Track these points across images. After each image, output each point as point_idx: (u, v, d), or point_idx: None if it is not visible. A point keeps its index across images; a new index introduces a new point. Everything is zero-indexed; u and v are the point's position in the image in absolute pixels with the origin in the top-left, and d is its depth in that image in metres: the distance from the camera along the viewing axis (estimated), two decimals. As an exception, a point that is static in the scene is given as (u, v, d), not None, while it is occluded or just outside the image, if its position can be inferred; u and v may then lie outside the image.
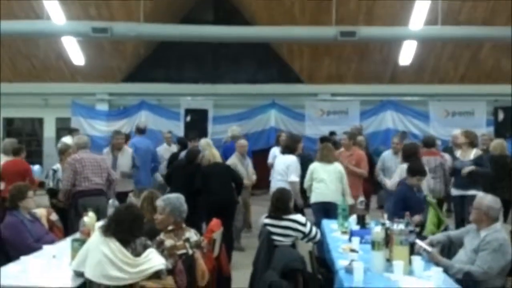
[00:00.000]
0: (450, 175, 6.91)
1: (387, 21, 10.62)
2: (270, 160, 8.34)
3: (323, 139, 8.55)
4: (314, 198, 6.48)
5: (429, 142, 7.64)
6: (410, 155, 6.20)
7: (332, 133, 11.28)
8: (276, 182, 6.85)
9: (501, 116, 10.75)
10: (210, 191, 6.41)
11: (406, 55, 11.81)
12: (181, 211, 3.99)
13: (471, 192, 6.30)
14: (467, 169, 6.58)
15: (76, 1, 10.84)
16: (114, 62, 12.84)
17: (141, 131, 8.54)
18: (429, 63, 12.36)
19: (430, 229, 5.18)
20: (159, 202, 4.06)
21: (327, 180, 6.42)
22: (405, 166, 6.00)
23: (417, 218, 4.97)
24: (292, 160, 6.86)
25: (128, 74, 13.44)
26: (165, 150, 9.16)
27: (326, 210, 6.25)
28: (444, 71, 12.59)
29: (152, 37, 10.98)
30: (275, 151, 8.39)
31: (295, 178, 6.73)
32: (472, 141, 6.82)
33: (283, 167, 6.84)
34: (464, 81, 12.66)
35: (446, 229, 5.15)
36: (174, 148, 9.15)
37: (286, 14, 11.10)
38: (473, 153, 6.75)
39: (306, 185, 6.63)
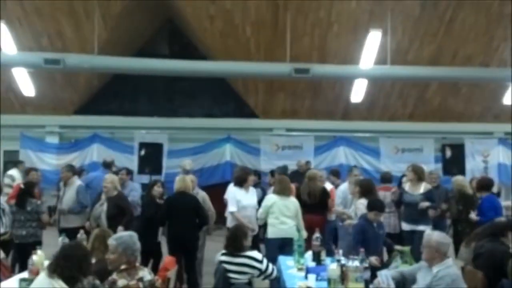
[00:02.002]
0: (398, 208, 7.08)
1: (340, 59, 10.96)
2: (226, 195, 8.30)
3: (274, 172, 8.69)
4: (271, 233, 6.34)
5: (386, 178, 7.86)
6: (368, 191, 6.33)
7: (285, 167, 11.37)
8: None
9: (448, 153, 11.17)
10: (171, 224, 6.31)
11: (358, 92, 12.17)
12: (134, 249, 3.88)
13: (421, 227, 6.46)
14: (423, 204, 6.68)
15: (28, 31, 10.65)
16: (66, 94, 12.58)
17: (106, 165, 8.41)
18: (379, 100, 12.76)
19: None
20: (111, 241, 3.93)
21: (286, 215, 6.34)
22: (362, 201, 6.13)
23: (373, 260, 4.96)
24: (231, 190, 6.92)
25: (80, 106, 13.19)
26: None
27: (282, 245, 6.16)
28: (393, 109, 13.02)
29: (106, 69, 10.88)
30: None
31: (232, 208, 6.74)
32: (420, 175, 7.01)
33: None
34: (413, 119, 13.12)
35: None
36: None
37: (241, 50, 11.26)
38: (422, 187, 6.91)
39: (260, 217, 6.54)
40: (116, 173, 8.18)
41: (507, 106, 12.58)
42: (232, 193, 6.88)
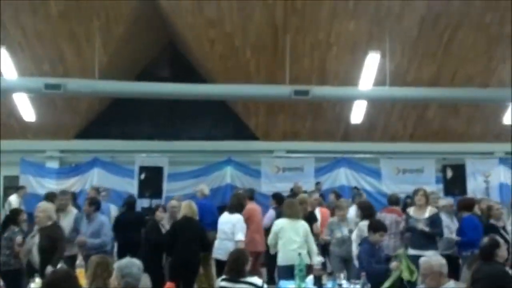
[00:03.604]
0: (402, 233, 7.01)
1: (339, 81, 11.00)
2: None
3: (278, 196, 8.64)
4: (282, 260, 6.13)
5: (393, 200, 7.82)
6: (371, 213, 6.30)
7: (292, 190, 11.31)
8: (221, 241, 6.74)
9: (449, 173, 11.12)
10: (176, 249, 6.26)
11: (357, 113, 12.18)
12: (137, 278, 3.79)
13: (429, 252, 6.34)
14: (422, 227, 6.62)
15: (29, 56, 10.72)
16: (66, 118, 12.59)
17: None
18: (380, 121, 12.77)
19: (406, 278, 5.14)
20: (115, 269, 3.84)
21: (296, 240, 6.17)
22: (364, 223, 6.08)
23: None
24: (238, 218, 6.77)
25: (80, 131, 13.19)
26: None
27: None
28: (393, 130, 13.02)
29: (107, 93, 10.92)
30: None
31: (241, 237, 6.61)
32: (428, 200, 6.93)
33: (230, 225, 6.73)
34: (413, 139, 13.10)
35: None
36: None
37: (241, 72, 11.32)
38: (428, 211, 6.79)
39: (270, 243, 6.37)
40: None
41: (507, 126, 12.57)
42: (241, 221, 6.76)
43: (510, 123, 12.47)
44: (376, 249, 5.42)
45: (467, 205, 6.87)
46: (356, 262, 5.98)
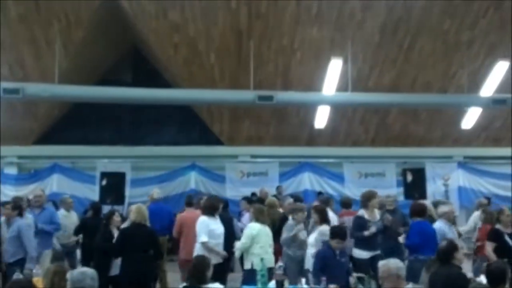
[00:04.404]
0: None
1: (303, 86, 11.09)
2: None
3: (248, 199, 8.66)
4: (257, 264, 5.98)
5: (346, 203, 7.92)
6: (325, 217, 6.36)
7: (253, 194, 11.36)
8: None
9: (409, 177, 11.35)
10: (126, 258, 6.08)
11: (321, 118, 12.32)
12: (88, 285, 3.69)
13: (378, 252, 6.79)
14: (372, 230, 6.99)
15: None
16: (25, 123, 12.27)
17: None
18: (342, 126, 12.94)
19: None
20: (69, 282, 3.74)
21: (268, 244, 6.33)
22: (325, 227, 6.13)
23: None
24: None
25: (40, 136, 12.88)
26: (63, 217, 8.34)
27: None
28: (356, 134, 13.21)
29: (67, 98, 10.67)
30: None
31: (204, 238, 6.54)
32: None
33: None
34: (375, 144, 13.33)
35: None
36: (73, 214, 8.72)
37: (206, 77, 11.30)
38: (377, 213, 7.22)
39: (243, 247, 6.28)
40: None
41: (465, 131, 12.95)
42: (203, 222, 6.62)
43: (468, 128, 12.84)
44: (337, 254, 5.46)
45: (418, 210, 6.99)
46: (309, 265, 6.02)
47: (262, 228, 6.37)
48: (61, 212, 8.44)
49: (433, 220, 7.09)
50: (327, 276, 4.72)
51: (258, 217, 6.49)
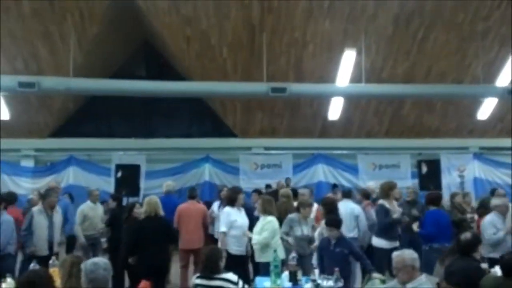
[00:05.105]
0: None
1: (316, 78, 11.07)
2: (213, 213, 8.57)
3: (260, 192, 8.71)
4: (282, 255, 6.08)
5: (367, 194, 7.94)
6: (332, 210, 6.36)
7: (268, 186, 11.40)
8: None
9: (424, 169, 11.28)
10: (144, 249, 6.18)
11: (334, 110, 12.28)
12: (99, 279, 3.70)
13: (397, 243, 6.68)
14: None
15: (2, 54, 10.54)
16: (41, 117, 12.45)
17: None
18: (356, 118, 12.90)
19: None
20: (83, 273, 3.79)
21: (278, 236, 6.36)
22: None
23: None
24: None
25: (56, 129, 13.05)
26: (89, 209, 8.53)
27: None
28: (370, 126, 13.17)
29: (82, 91, 10.79)
30: (215, 205, 8.75)
31: (224, 228, 6.67)
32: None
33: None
34: (389, 135, 13.28)
35: None
36: (99, 206, 8.84)
37: (218, 70, 11.32)
38: (395, 203, 7.18)
39: (265, 241, 6.23)
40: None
41: (481, 121, 12.83)
42: (224, 213, 6.81)
43: (483, 118, 12.72)
44: (331, 244, 5.49)
45: (433, 199, 6.98)
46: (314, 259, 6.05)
47: (275, 221, 6.40)
48: (88, 204, 8.58)
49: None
50: (325, 266, 4.74)
51: (266, 208, 6.50)
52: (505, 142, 13.18)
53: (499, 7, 10.08)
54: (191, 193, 8.27)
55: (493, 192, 9.29)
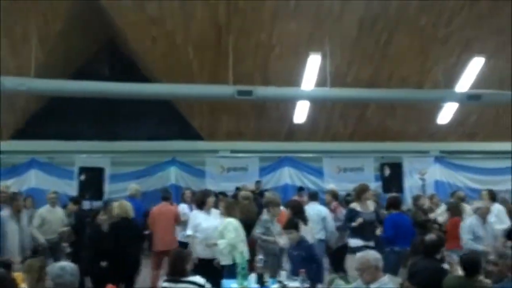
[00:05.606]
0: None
1: (282, 81, 11.13)
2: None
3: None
4: (240, 258, 5.86)
5: (336, 194, 8.04)
6: (298, 211, 6.41)
7: (238, 189, 11.33)
8: None
9: (387, 171, 11.51)
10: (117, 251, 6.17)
11: (300, 113, 12.38)
12: (64, 282, 3.65)
13: (372, 243, 6.77)
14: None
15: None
16: (2, 118, 12.04)
17: None
18: (322, 121, 13.04)
19: None
20: (49, 276, 3.71)
21: (244, 237, 6.35)
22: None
23: None
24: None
25: (17, 131, 12.70)
26: (48, 212, 8.26)
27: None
28: (335, 129, 13.33)
29: (44, 92, 10.53)
30: (183, 208, 8.59)
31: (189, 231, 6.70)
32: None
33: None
34: (353, 139, 13.47)
35: None
36: (58, 209, 8.65)
37: (184, 71, 11.26)
38: (371, 205, 7.23)
39: (233, 240, 6.15)
40: None
41: (441, 126, 13.16)
42: (192, 216, 6.86)
43: (444, 123, 13.05)
44: (291, 246, 5.53)
45: (393, 202, 7.11)
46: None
47: (237, 222, 6.38)
48: (47, 207, 8.34)
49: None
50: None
51: (229, 212, 6.49)
52: (465, 145, 13.63)
53: (460, 12, 10.34)
54: (164, 195, 8.30)
55: (453, 195, 9.55)
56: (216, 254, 6.33)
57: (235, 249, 6.10)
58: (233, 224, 6.29)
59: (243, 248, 6.17)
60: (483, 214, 6.82)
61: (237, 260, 5.93)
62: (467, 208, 7.83)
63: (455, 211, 7.55)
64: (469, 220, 6.87)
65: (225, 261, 6.24)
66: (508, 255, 4.60)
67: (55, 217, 8.26)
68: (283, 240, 6.08)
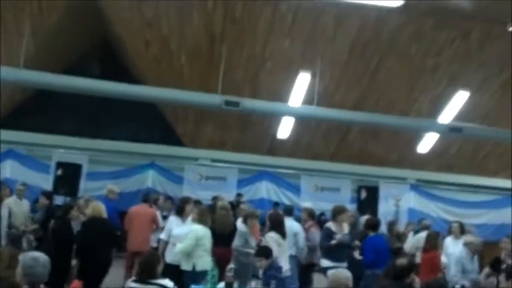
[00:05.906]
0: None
1: (270, 95, 11.20)
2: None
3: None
4: (201, 266, 6.17)
5: (312, 213, 8.10)
6: (277, 225, 6.43)
7: (215, 198, 11.29)
8: None
9: (363, 194, 11.63)
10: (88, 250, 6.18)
11: (284, 129, 12.45)
12: (35, 273, 3.61)
13: (344, 263, 6.80)
14: (356, 244, 7.21)
15: None
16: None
17: None
18: (304, 139, 13.11)
19: None
20: (20, 265, 3.66)
21: (210, 246, 6.38)
22: (272, 235, 6.19)
23: None
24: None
25: (-1, 119, 12.51)
26: (14, 204, 8.21)
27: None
28: (317, 148, 13.41)
29: (32, 84, 10.40)
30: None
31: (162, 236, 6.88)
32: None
33: None
34: (334, 159, 13.56)
35: None
36: (25, 202, 8.52)
37: (174, 77, 11.25)
38: (346, 227, 7.30)
39: (187, 250, 6.21)
40: None
41: (421, 155, 13.34)
42: (169, 221, 7.07)
43: (423, 152, 13.24)
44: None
45: (373, 224, 7.19)
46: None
47: (206, 231, 6.40)
48: (13, 198, 8.22)
49: None
50: None
51: (201, 219, 6.48)
52: (442, 176, 13.81)
53: (451, 45, 10.51)
54: (145, 197, 8.54)
55: (420, 222, 9.66)
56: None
57: (191, 257, 6.13)
58: (196, 232, 6.29)
59: (205, 257, 6.19)
60: (473, 249, 6.84)
61: (197, 267, 6.06)
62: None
63: (433, 243, 7.31)
64: (458, 252, 6.93)
65: (184, 266, 6.26)
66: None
67: (20, 209, 8.17)
68: None
